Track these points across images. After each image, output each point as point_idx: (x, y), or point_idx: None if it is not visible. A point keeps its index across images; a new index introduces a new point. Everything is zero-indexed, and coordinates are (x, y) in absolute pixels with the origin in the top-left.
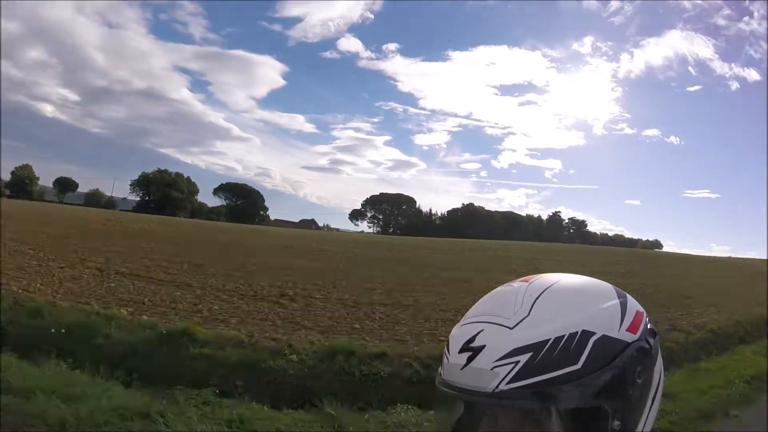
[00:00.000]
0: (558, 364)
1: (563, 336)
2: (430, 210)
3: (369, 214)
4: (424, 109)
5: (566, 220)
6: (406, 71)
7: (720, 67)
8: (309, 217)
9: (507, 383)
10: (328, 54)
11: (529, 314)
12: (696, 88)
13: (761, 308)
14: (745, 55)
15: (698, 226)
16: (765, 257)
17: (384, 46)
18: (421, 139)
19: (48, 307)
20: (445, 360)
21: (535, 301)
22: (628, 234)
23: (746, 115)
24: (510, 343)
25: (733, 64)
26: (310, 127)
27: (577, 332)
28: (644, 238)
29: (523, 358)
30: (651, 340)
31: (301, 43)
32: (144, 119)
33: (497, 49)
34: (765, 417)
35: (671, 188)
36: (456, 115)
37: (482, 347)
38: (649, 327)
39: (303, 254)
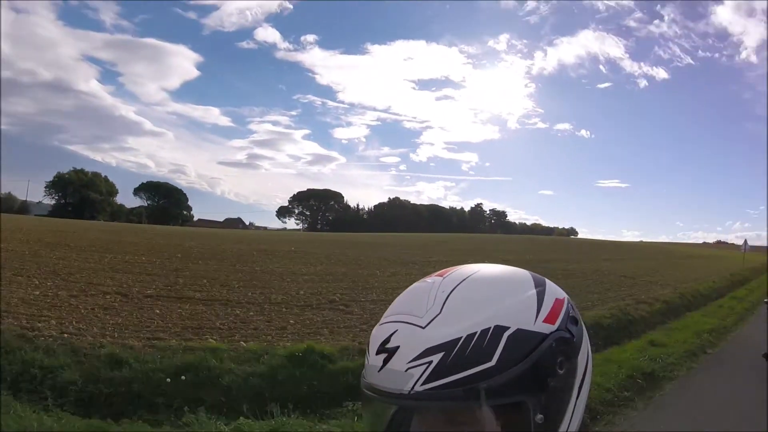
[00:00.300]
0: (471, 362)
1: (475, 333)
2: (358, 205)
3: (296, 211)
4: (342, 102)
5: (488, 212)
6: (324, 63)
7: (630, 65)
8: (234, 216)
9: (422, 384)
10: (244, 44)
11: (441, 312)
12: (606, 85)
13: (694, 283)
14: (654, 55)
15: (609, 214)
16: (673, 241)
17: (302, 38)
18: (340, 133)
19: (125, 351)
20: (366, 361)
21: (447, 297)
22: (544, 223)
23: (653, 110)
24: (422, 342)
25: (642, 63)
26: (225, 121)
27: (489, 328)
28: (560, 226)
29: (436, 358)
30: (573, 328)
31: (216, 32)
32: (52, 114)
33: (415, 44)
34: (729, 353)
35: (583, 179)
36: (374, 109)
37: (396, 348)
38: (570, 314)
39: (278, 257)
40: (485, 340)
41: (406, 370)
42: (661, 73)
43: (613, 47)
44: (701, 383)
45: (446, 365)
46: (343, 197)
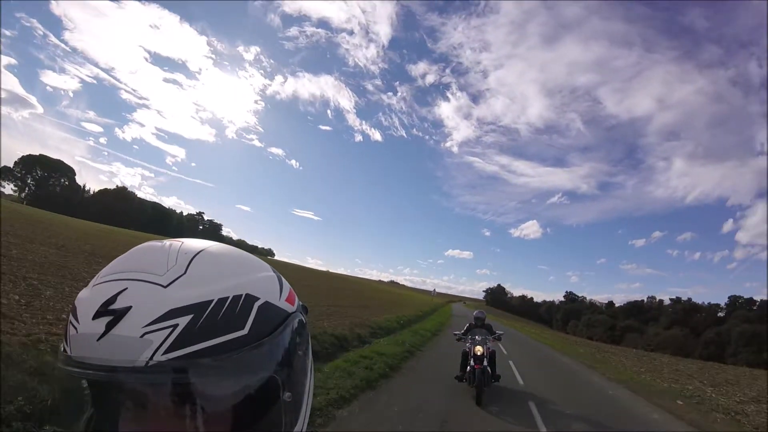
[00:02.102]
0: (224, 328)
1: (227, 297)
2: (84, 185)
3: (19, 175)
4: (66, 43)
5: (206, 221)
6: None
7: (353, 119)
8: None
9: (164, 353)
10: None
11: (185, 272)
12: (327, 128)
13: (419, 308)
14: (377, 119)
15: (300, 240)
16: (351, 274)
17: None
18: (49, 78)
19: None
20: (71, 331)
21: (192, 260)
22: (248, 241)
23: (360, 163)
24: (165, 303)
25: (364, 122)
26: None
27: (241, 295)
28: (259, 245)
29: (183, 321)
30: (304, 317)
31: None
32: None
33: (169, 17)
34: (451, 325)
35: (283, 204)
36: (96, 65)
37: (128, 309)
38: (302, 304)
39: None
40: (237, 306)
41: (143, 336)
42: (376, 135)
43: (345, 99)
44: (447, 330)
45: (195, 330)
46: (75, 174)
